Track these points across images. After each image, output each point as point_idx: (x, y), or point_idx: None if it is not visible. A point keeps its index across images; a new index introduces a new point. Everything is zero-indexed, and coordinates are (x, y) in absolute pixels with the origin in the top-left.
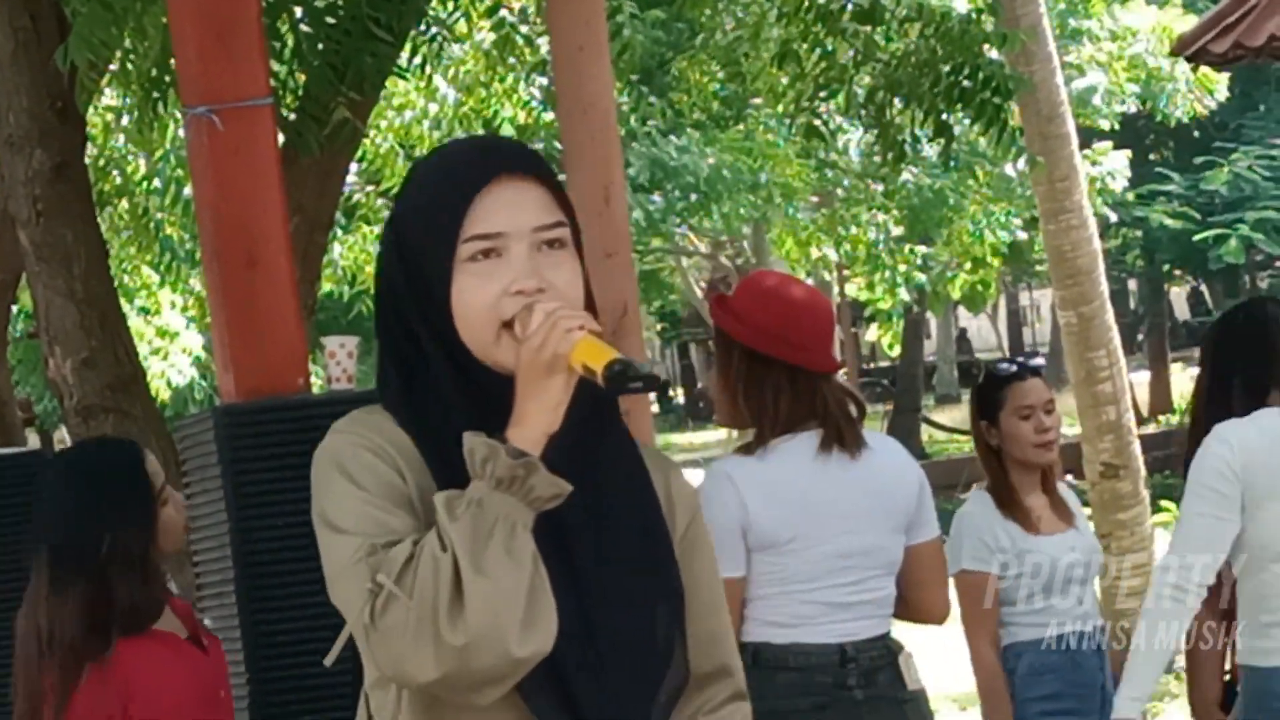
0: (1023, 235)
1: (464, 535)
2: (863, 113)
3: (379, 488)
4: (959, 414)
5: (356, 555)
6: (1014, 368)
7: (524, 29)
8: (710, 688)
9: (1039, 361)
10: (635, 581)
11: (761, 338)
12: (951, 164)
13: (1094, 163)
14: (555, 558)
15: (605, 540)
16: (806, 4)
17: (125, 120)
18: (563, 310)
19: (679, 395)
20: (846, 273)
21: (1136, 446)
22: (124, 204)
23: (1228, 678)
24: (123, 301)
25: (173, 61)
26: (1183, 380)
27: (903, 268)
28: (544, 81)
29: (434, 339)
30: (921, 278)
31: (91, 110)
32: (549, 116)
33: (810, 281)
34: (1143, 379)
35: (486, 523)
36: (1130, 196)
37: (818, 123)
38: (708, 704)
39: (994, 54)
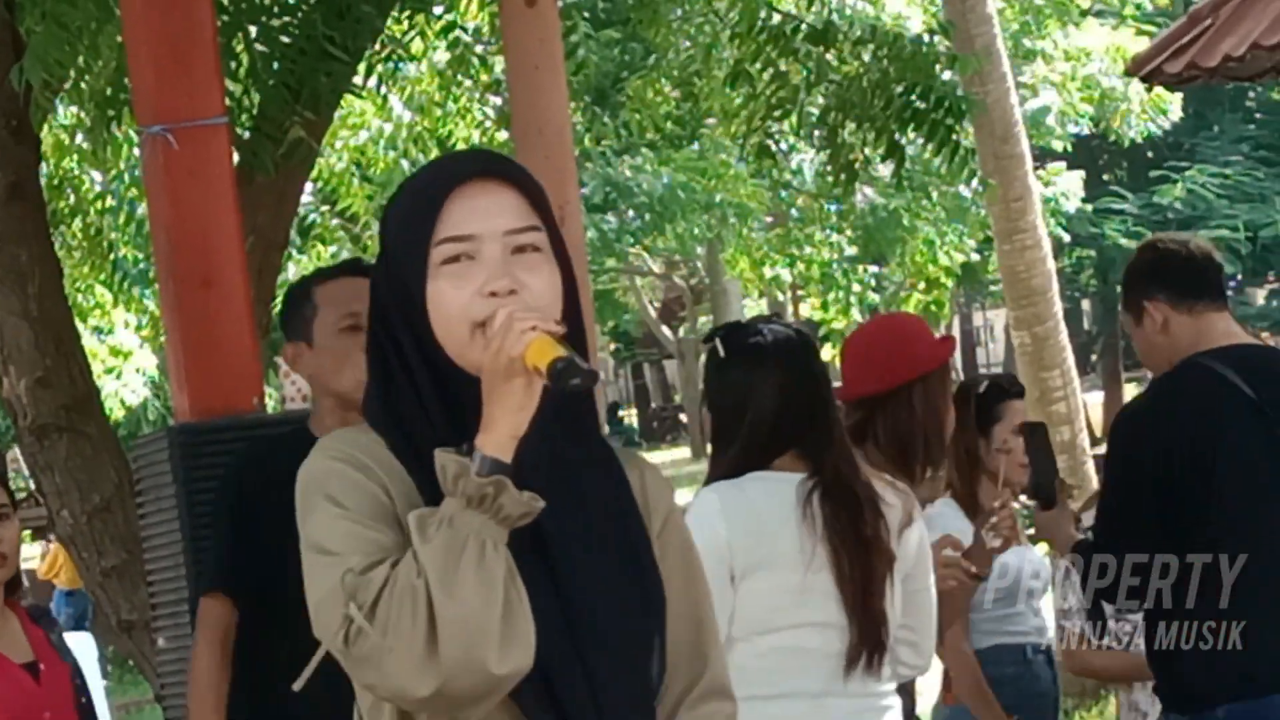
0: (976, 256)
1: (435, 558)
2: (815, 133)
3: (362, 504)
4: None
5: (335, 579)
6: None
7: (479, 48)
8: (703, 707)
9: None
10: (619, 589)
11: None
12: (906, 184)
13: (1047, 183)
14: (538, 568)
15: (589, 548)
16: (759, 25)
17: (80, 139)
18: (520, 311)
19: (632, 415)
20: (800, 293)
21: (1091, 466)
22: (78, 223)
23: None
24: (77, 321)
25: (128, 81)
26: None
27: (856, 288)
28: (498, 101)
29: (415, 347)
30: (875, 298)
31: (45, 129)
32: (503, 136)
33: (764, 301)
34: (1096, 399)
35: (458, 543)
36: (1089, 209)
37: (770, 143)
38: None
39: (947, 74)
